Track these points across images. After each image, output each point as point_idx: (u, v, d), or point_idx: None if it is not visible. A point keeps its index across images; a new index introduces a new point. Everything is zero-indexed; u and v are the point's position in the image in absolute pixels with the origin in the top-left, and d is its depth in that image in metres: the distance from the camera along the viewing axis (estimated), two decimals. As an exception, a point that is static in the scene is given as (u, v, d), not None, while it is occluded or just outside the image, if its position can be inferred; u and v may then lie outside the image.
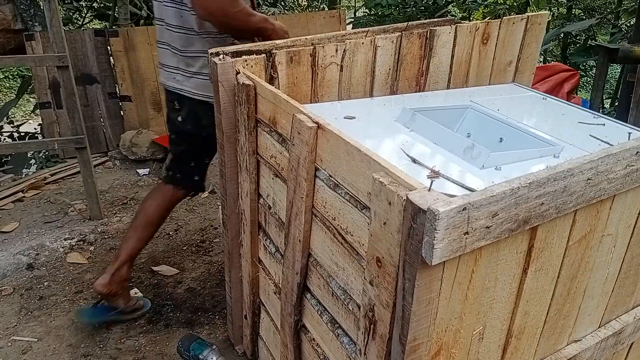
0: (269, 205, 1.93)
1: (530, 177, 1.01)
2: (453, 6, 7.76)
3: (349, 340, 1.52)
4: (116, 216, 3.58)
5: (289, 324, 1.84)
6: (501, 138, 1.89)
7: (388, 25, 2.28)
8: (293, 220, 1.64)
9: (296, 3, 9.26)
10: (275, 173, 1.80)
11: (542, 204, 1.05)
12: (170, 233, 3.42)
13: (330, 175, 1.44)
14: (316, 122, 1.44)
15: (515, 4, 9.55)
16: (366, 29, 2.22)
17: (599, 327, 1.51)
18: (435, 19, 2.43)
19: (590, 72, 8.99)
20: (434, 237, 0.92)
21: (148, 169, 4.35)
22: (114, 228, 3.41)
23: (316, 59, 2.13)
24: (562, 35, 8.13)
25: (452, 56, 2.43)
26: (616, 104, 6.23)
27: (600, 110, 5.56)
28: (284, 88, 2.11)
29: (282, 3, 7.27)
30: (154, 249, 3.21)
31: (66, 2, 6.31)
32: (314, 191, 1.54)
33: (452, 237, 0.94)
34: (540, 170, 1.05)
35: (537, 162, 1.62)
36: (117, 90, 4.77)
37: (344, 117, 1.92)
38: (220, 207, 2.35)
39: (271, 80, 2.06)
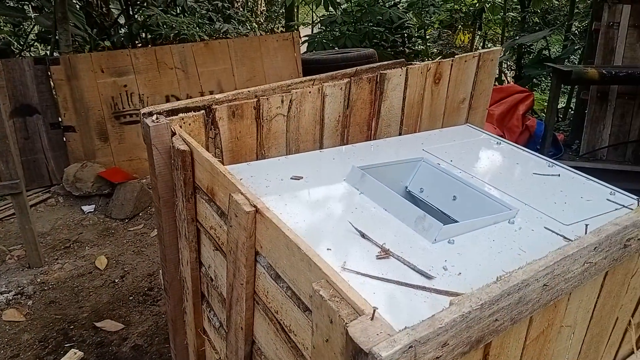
0: (211, 277, 1.79)
1: (482, 297, 0.91)
2: (411, 17, 7.77)
3: None
4: (57, 263, 3.36)
5: (237, 405, 1.70)
6: (455, 196, 1.81)
7: (336, 72, 2.18)
8: (234, 305, 1.51)
9: (252, 17, 9.11)
10: (215, 246, 1.67)
11: (496, 320, 0.96)
12: (116, 281, 3.23)
13: (270, 265, 1.32)
14: (254, 206, 1.32)
15: (470, 11, 9.67)
16: (313, 77, 2.11)
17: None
18: (386, 62, 2.34)
19: (544, 80, 9.15)
20: (377, 382, 0.81)
21: (93, 206, 4.12)
22: (54, 277, 3.20)
23: (260, 111, 2.00)
24: (516, 46, 8.24)
25: (404, 98, 2.35)
26: (570, 119, 6.32)
27: (555, 126, 5.61)
28: (226, 143, 1.98)
29: (235, 19, 7.11)
30: (98, 300, 3.02)
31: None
32: (255, 276, 1.41)
33: (397, 378, 0.84)
34: (493, 284, 0.95)
35: (492, 229, 1.54)
36: (60, 120, 4.53)
37: (291, 178, 1.80)
38: (160, 273, 2.19)
39: (214, 136, 1.92)
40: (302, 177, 1.82)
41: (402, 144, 2.18)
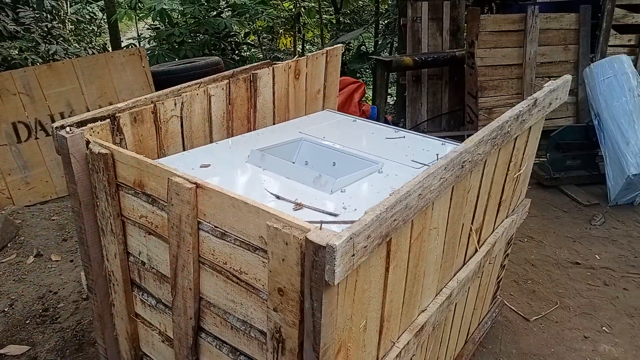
0: (142, 262, 2.03)
1: (385, 203, 1.37)
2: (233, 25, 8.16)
3: (253, 362, 1.74)
4: None
5: (186, 365, 1.97)
6: (334, 162, 2.28)
7: (216, 75, 2.52)
8: (180, 271, 1.79)
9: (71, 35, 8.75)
10: (148, 231, 1.92)
11: (395, 220, 1.42)
12: (6, 309, 3.16)
13: (215, 227, 1.64)
14: (195, 183, 1.63)
15: (289, 16, 10.40)
16: (198, 80, 2.42)
17: (436, 296, 1.99)
18: (256, 64, 2.73)
19: (366, 73, 10.26)
20: (334, 264, 1.22)
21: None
22: None
23: (158, 114, 2.27)
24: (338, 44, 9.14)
25: (274, 93, 2.77)
26: (394, 101, 7.30)
27: (385, 109, 6.51)
28: (131, 147, 2.21)
29: (64, 40, 6.87)
30: (-7, 332, 2.95)
31: None
32: (199, 242, 1.72)
33: (345, 261, 1.25)
34: (389, 196, 1.42)
35: (369, 179, 2.04)
36: None
37: (200, 167, 2.11)
38: (83, 273, 2.32)
39: (120, 141, 2.14)
40: (209, 165, 2.14)
41: (280, 131, 2.60)
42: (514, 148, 2.22)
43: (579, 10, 5.38)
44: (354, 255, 1.28)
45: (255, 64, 2.73)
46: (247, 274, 1.60)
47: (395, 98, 7.18)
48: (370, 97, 8.06)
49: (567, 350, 2.86)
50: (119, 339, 2.35)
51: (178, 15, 7.42)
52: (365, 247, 1.32)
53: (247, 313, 1.67)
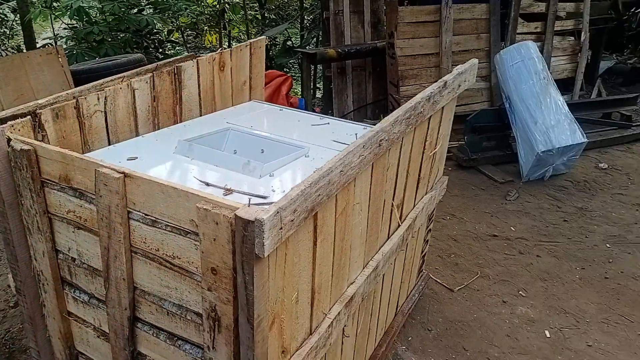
0: (73, 258, 2.02)
1: (309, 179, 1.47)
2: (157, 22, 7.99)
3: (191, 345, 1.79)
4: None
5: (124, 357, 1.99)
6: (262, 149, 2.35)
7: (139, 69, 2.52)
8: (112, 263, 1.81)
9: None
10: (77, 226, 1.92)
11: (319, 195, 1.52)
12: None
13: (145, 215, 1.68)
14: (122, 172, 1.66)
15: (213, 12, 10.29)
16: (121, 74, 2.42)
17: (363, 269, 2.11)
18: (179, 57, 2.74)
19: (293, 68, 10.35)
20: (263, 237, 1.30)
21: None
22: None
23: (81, 110, 2.25)
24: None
25: (199, 85, 2.80)
26: (321, 94, 7.44)
27: (312, 102, 6.64)
28: (54, 143, 2.18)
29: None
30: None
31: None
32: (130, 231, 1.74)
33: (273, 234, 1.34)
34: (313, 173, 1.51)
35: (296, 163, 2.13)
36: None
37: (127, 159, 2.12)
38: (10, 276, 2.27)
39: (42, 138, 2.11)
40: (136, 157, 2.15)
41: (207, 122, 2.64)
42: (428, 128, 2.39)
43: (489, 1, 5.73)
44: (281, 228, 1.37)
45: (179, 57, 2.75)
46: (180, 258, 1.65)
47: (322, 91, 7.33)
48: (300, 91, 8.18)
49: (488, 315, 3.10)
50: (52, 340, 2.32)
51: (97, 13, 7.18)
52: (292, 220, 1.41)
53: (182, 297, 1.72)
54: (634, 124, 5.79)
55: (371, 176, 1.93)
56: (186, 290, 1.69)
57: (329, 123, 2.64)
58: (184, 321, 1.75)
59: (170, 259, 1.68)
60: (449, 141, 5.37)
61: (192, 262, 1.62)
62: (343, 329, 2.03)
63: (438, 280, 3.38)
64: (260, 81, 3.27)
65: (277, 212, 1.33)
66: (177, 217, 1.60)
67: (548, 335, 2.96)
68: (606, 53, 8.26)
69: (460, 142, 5.17)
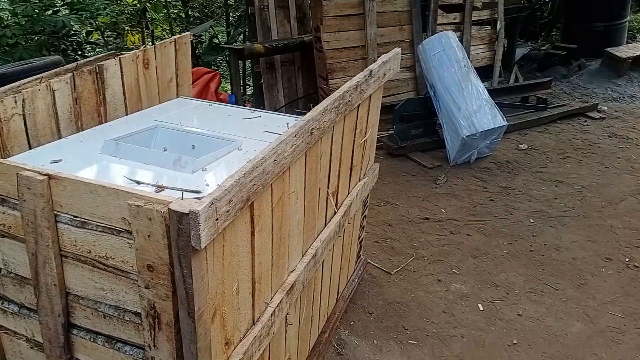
0: (-2, 268, 1.92)
1: (243, 170, 1.47)
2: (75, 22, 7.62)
3: (132, 347, 1.76)
4: None
5: (60, 366, 1.92)
6: (193, 145, 2.33)
7: (59, 69, 2.41)
8: (41, 269, 1.74)
9: None
10: (1, 234, 1.82)
11: (254, 184, 1.53)
12: None
13: (74, 217, 1.62)
14: (46, 174, 1.59)
15: (134, 11, 9.97)
16: (39, 75, 2.31)
17: (302, 257, 2.14)
18: (100, 55, 2.65)
19: (222, 66, 10.21)
20: (199, 229, 1.30)
21: None
22: None
23: (-4, 113, 2.13)
24: (188, 37, 8.97)
25: (123, 84, 2.72)
26: (251, 90, 7.40)
27: (243, 99, 6.59)
28: (-32, 150, 2.06)
29: None
30: None
31: None
32: (59, 235, 1.68)
33: (209, 225, 1.33)
34: (247, 163, 1.52)
35: (229, 156, 2.12)
36: None
37: (51, 162, 2.03)
38: None
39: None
40: (60, 160, 2.07)
41: (134, 120, 2.57)
42: (357, 116, 2.45)
43: (409, -6, 5.90)
44: (217, 219, 1.37)
45: (100, 55, 2.66)
46: (114, 258, 1.61)
47: (252, 87, 7.29)
48: (230, 88, 8.08)
49: (425, 294, 3.22)
50: (-21, 358, 2.19)
51: (8, 16, 6.77)
52: (227, 211, 1.42)
53: (118, 298, 1.68)
54: (549, 106, 6.15)
55: (305, 165, 1.96)
56: (122, 291, 1.66)
57: (260, 116, 2.64)
58: (122, 322, 1.72)
59: (103, 260, 1.64)
60: (380, 131, 5.50)
61: (127, 261, 1.59)
62: (286, 317, 2.06)
63: (376, 264, 3.47)
64: (187, 78, 3.22)
65: (212, 203, 1.33)
66: (108, 216, 1.56)
67: (481, 308, 3.12)
68: (521, 41, 8.72)
69: (389, 132, 5.31)
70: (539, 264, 3.53)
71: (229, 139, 2.28)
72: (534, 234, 3.87)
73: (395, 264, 3.50)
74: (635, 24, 8.91)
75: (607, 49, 7.32)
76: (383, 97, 5.91)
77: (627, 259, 3.58)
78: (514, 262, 3.55)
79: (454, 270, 3.47)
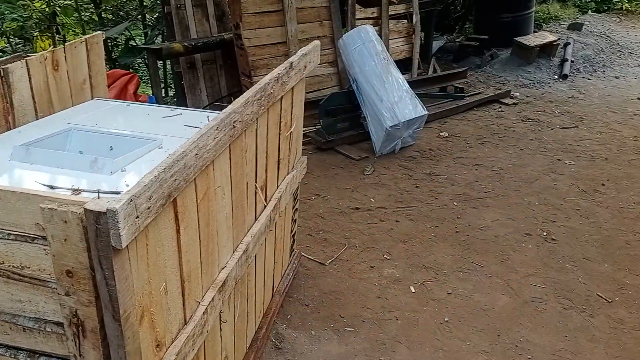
0: None
1: (163, 164, 1.43)
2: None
3: (56, 359, 1.67)
4: None
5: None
6: (111, 147, 2.24)
7: (-45, 72, 2.24)
8: (-52, 287, 1.61)
9: None
10: None
11: (175, 179, 1.50)
12: None
13: (-19, 227, 1.52)
14: (-54, 183, 1.48)
15: (43, 15, 9.44)
16: None
17: (233, 252, 2.12)
18: (4, 58, 2.49)
19: (142, 69, 9.88)
20: (118, 227, 1.25)
21: None
22: None
23: None
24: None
25: (32, 88, 2.57)
26: (173, 91, 7.21)
27: (164, 100, 6.42)
28: None
29: None
30: None
31: None
32: (-35, 249, 1.57)
33: (129, 223, 1.29)
34: (167, 157, 1.48)
35: (149, 155, 2.06)
36: None
37: (-47, 173, 1.89)
38: None
39: None
40: (-36, 169, 1.93)
41: (45, 124, 2.44)
42: (281, 109, 2.45)
43: (326, -11, 5.96)
44: (137, 217, 1.33)
45: (4, 58, 2.50)
46: (29, 267, 1.52)
47: (174, 88, 7.11)
48: (151, 91, 7.83)
49: (359, 281, 3.28)
50: None
51: None
52: (148, 208, 1.37)
53: (38, 309, 1.59)
54: (466, 95, 6.43)
55: (230, 159, 1.93)
56: (42, 301, 1.57)
57: (181, 114, 2.58)
58: (44, 335, 1.63)
59: (18, 270, 1.54)
60: (307, 126, 5.53)
61: (44, 269, 1.51)
62: (220, 314, 2.03)
63: (310, 257, 3.49)
64: (102, 79, 3.09)
65: (131, 200, 1.29)
66: (19, 223, 1.47)
67: (413, 290, 3.22)
68: (437, 34, 9.05)
69: (317, 126, 5.35)
70: (464, 244, 3.69)
71: (148, 137, 2.21)
72: (458, 216, 4.04)
73: (329, 255, 3.53)
74: (541, 14, 9.47)
75: (516, 39, 7.74)
76: (308, 92, 5.94)
77: (544, 233, 3.81)
78: (441, 244, 3.69)
79: (385, 256, 3.55)
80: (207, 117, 1.90)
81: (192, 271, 1.77)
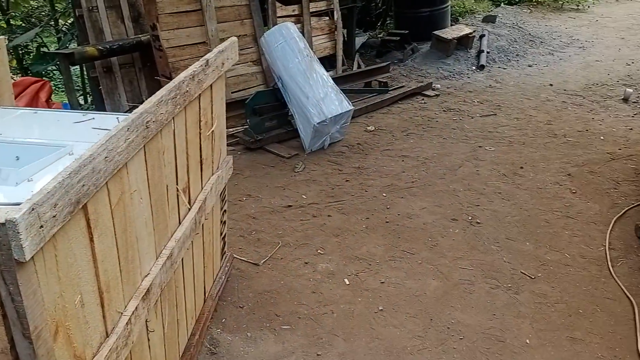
0: None
1: (68, 170, 1.35)
2: None
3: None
4: None
5: None
6: (17, 156, 2.09)
7: None
8: None
9: None
10: None
11: (84, 185, 1.41)
12: None
13: None
14: None
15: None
16: None
17: (157, 259, 2.04)
18: None
19: (56, 77, 9.38)
20: (20, 239, 1.16)
21: None
22: None
23: None
24: (11, 48, 8.12)
25: None
26: (91, 98, 6.90)
27: (80, 107, 6.13)
28: None
29: None
30: None
31: None
32: None
33: (33, 234, 1.20)
34: (73, 161, 1.39)
35: (58, 163, 1.94)
36: None
37: None
38: None
39: None
40: None
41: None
42: (200, 107, 2.38)
43: (246, -12, 5.90)
44: (42, 226, 1.24)
45: None
46: None
47: (91, 94, 6.80)
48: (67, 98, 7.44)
49: (294, 278, 3.27)
50: None
51: None
52: (54, 216, 1.29)
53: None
54: (390, 89, 6.57)
55: (146, 161, 1.86)
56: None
57: (94, 118, 2.46)
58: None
59: None
60: (235, 126, 5.45)
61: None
62: (146, 324, 1.95)
63: (243, 258, 3.44)
64: (6, 86, 2.89)
65: (33, 209, 1.20)
66: None
67: (347, 283, 3.24)
68: (360, 30, 9.20)
69: (244, 126, 5.29)
70: (395, 233, 3.76)
71: (58, 144, 2.08)
72: (388, 207, 4.11)
73: (263, 255, 3.50)
74: (457, 8, 9.85)
75: (435, 32, 8.00)
76: (234, 92, 5.87)
77: (469, 217, 3.96)
78: (372, 235, 3.74)
79: (319, 251, 3.56)
80: (117, 118, 1.81)
81: (111, 281, 1.68)
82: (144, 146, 1.81)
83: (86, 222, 1.50)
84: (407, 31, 8.21)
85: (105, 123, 2.38)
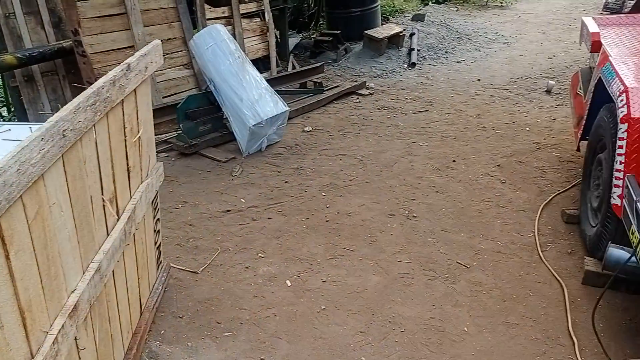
0: None
1: (-28, 185, 1.26)
2: None
3: None
4: None
5: None
6: None
7: None
8: None
9: None
10: None
11: (-7, 200, 1.33)
12: None
13: None
14: None
15: None
16: None
17: (84, 273, 1.94)
18: None
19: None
20: None
21: None
22: None
23: None
24: None
25: None
26: (12, 109, 6.52)
27: (2, 119, 5.79)
28: None
29: None
30: None
31: None
32: None
33: None
34: (-22, 176, 1.30)
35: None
36: None
37: None
38: None
39: None
40: None
41: None
42: (124, 114, 2.30)
43: (173, -10, 5.76)
44: (-55, 247, 1.15)
45: None
46: None
47: (12, 105, 6.43)
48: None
49: (234, 284, 3.22)
50: None
51: None
52: (-42, 236, 1.20)
53: None
54: (325, 89, 6.60)
55: (65, 171, 1.77)
56: None
57: (10, 129, 2.32)
58: None
59: None
60: (167, 131, 5.32)
61: None
62: (76, 341, 1.86)
63: (181, 267, 3.35)
64: None
65: None
66: None
67: (289, 284, 3.23)
68: (293, 31, 9.21)
69: (177, 131, 5.16)
70: (335, 232, 3.78)
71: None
72: (327, 206, 4.13)
73: (202, 262, 3.42)
74: (387, 8, 10.04)
75: (366, 32, 8.12)
76: (165, 96, 5.73)
77: (406, 212, 4.04)
78: (313, 235, 3.75)
79: (259, 254, 3.52)
80: (30, 127, 1.71)
81: (32, 299, 1.59)
82: (62, 156, 1.72)
83: (1, 239, 1.41)
84: (339, 31, 8.29)
85: (22, 134, 2.25)
